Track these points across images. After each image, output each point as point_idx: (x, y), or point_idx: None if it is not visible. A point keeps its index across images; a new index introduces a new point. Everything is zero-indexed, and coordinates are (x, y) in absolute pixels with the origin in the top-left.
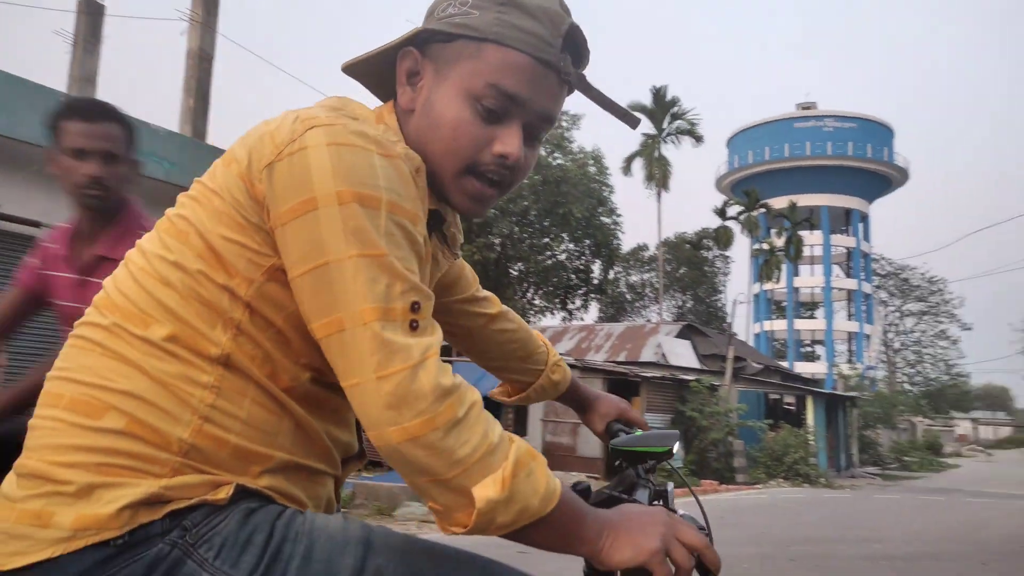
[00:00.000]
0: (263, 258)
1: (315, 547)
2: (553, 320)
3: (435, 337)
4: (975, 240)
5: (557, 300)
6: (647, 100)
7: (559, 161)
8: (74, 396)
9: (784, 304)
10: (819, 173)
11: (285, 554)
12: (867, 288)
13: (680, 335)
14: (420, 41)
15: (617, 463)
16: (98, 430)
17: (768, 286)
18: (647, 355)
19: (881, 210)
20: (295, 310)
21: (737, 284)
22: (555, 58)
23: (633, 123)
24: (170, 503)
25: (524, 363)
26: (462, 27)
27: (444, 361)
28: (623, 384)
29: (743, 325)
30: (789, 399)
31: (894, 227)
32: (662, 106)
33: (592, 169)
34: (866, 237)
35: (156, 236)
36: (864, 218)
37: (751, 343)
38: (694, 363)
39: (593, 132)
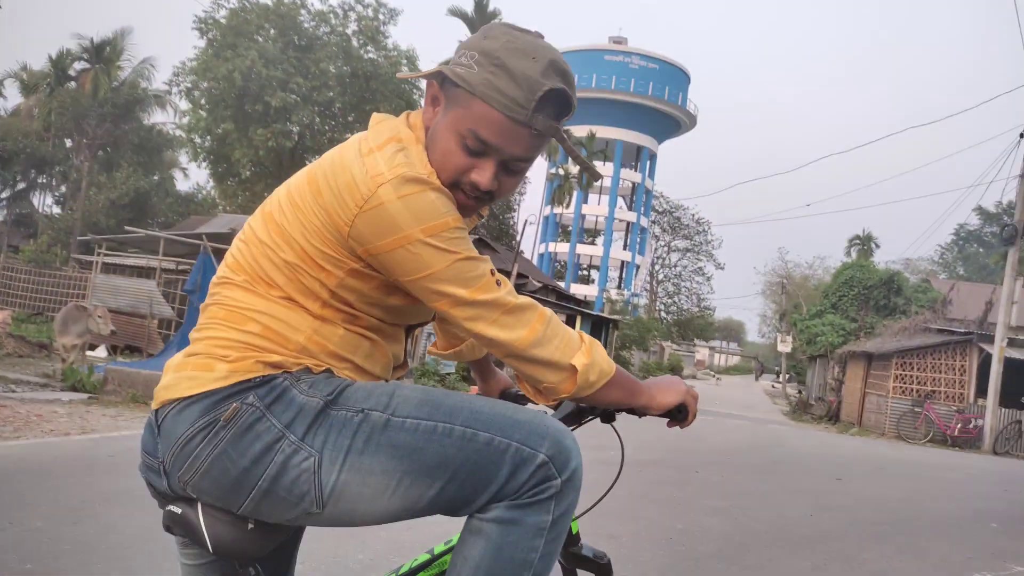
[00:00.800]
0: (345, 262)
1: (366, 386)
2: None
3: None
4: (740, 191)
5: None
6: (469, 6)
7: (371, 55)
8: (226, 314)
9: (570, 228)
10: (620, 108)
11: (348, 390)
12: (644, 222)
13: None
14: (440, 77)
15: None
16: (243, 331)
17: (558, 210)
18: None
19: (667, 151)
20: (365, 291)
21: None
22: (525, 118)
23: (596, 177)
24: (286, 368)
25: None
26: (462, 79)
27: None
28: None
29: (530, 245)
30: (561, 317)
31: (676, 168)
32: (483, 15)
33: (405, 69)
34: (651, 175)
35: (264, 229)
36: (652, 156)
37: (535, 262)
38: None
39: (410, 32)
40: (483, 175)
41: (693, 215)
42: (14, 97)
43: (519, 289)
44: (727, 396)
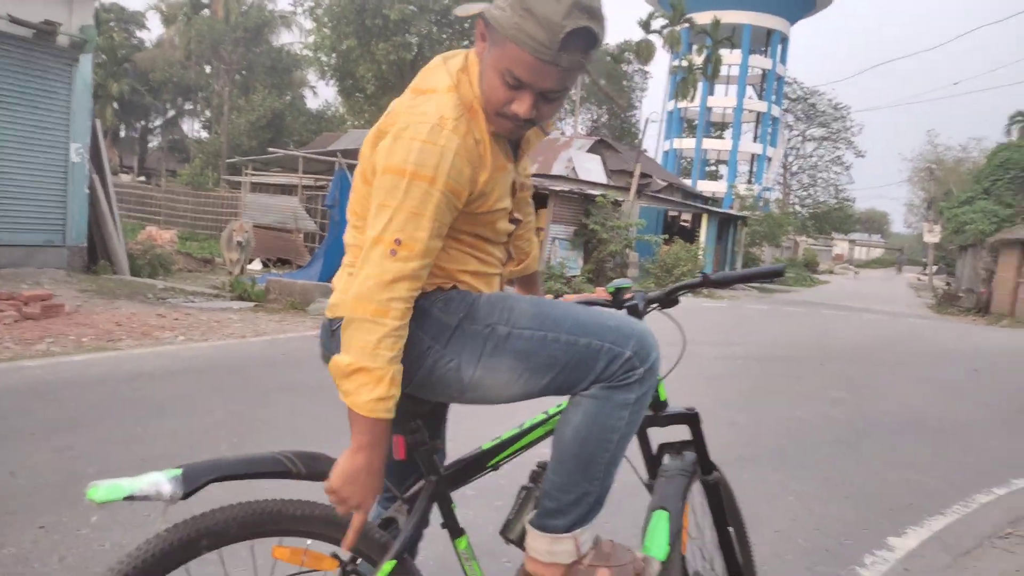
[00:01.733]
0: None
1: (490, 300)
2: None
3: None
4: (882, 72)
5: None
6: None
7: None
8: None
9: (695, 123)
10: None
11: (475, 306)
12: (776, 111)
13: (591, 150)
14: (486, 17)
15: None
16: None
17: (683, 104)
18: (558, 168)
19: (801, 34)
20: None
21: (653, 101)
22: (551, 57)
23: (623, 108)
24: (424, 290)
25: (523, 246)
26: (497, 23)
27: None
28: (532, 197)
29: (653, 142)
30: (686, 216)
31: (810, 52)
32: None
33: None
34: (783, 60)
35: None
36: (784, 40)
37: (660, 160)
38: (602, 178)
39: None
40: (522, 106)
41: (830, 101)
42: (156, 28)
43: (643, 188)
44: (866, 290)
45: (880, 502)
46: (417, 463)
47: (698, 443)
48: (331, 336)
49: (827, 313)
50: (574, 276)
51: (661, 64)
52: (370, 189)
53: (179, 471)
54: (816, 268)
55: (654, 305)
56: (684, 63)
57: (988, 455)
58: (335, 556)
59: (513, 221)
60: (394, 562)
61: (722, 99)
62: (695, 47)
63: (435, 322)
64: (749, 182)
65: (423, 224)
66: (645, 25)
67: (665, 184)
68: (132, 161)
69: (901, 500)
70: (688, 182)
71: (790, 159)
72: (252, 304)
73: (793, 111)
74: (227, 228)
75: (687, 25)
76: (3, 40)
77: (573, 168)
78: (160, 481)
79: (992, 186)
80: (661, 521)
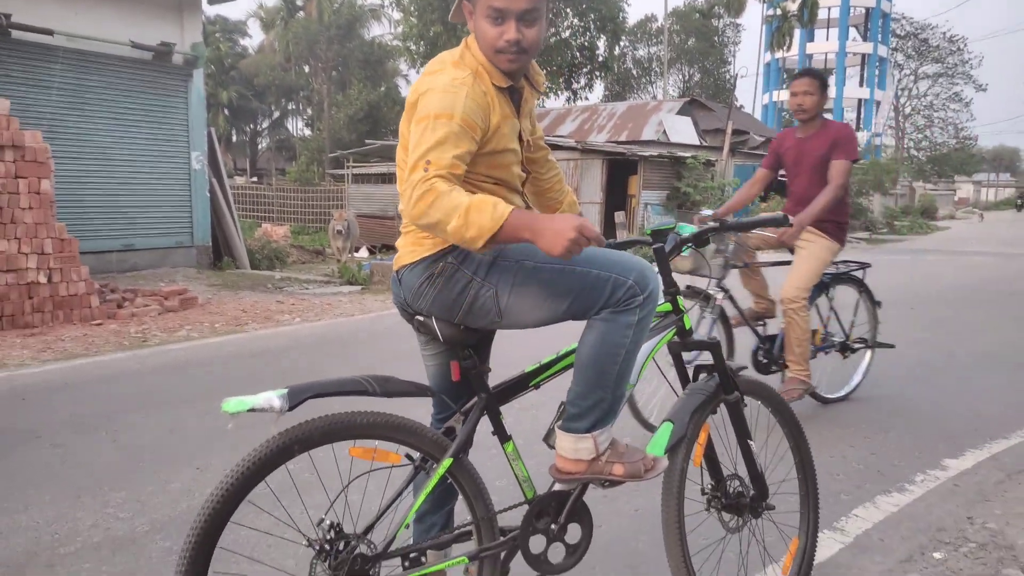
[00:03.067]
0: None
1: (512, 249)
2: (557, 102)
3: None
4: None
5: (561, 80)
6: None
7: None
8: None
9: (796, 72)
10: None
11: (507, 247)
12: (883, 51)
13: (682, 111)
14: None
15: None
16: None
17: (780, 54)
18: (648, 133)
19: None
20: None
21: (748, 54)
22: None
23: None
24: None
25: (555, 196)
26: None
27: None
28: (622, 164)
29: (750, 97)
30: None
31: None
32: None
33: None
34: None
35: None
36: None
37: (759, 114)
38: (694, 139)
39: None
40: (509, 32)
41: (944, 34)
42: (257, 35)
43: (740, 146)
44: (988, 234)
45: (941, 429)
46: (470, 383)
47: (720, 368)
48: (399, 284)
49: (931, 259)
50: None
51: (755, 14)
52: (407, 155)
53: (286, 390)
54: (935, 215)
55: (686, 243)
56: (778, 11)
57: None
58: (408, 456)
59: (524, 171)
60: (452, 460)
61: (824, 44)
62: None
63: (475, 259)
64: (858, 129)
65: (447, 149)
66: None
67: (763, 140)
68: (244, 163)
69: (964, 427)
70: None
71: (902, 101)
72: (359, 287)
73: (903, 49)
74: (333, 220)
75: None
76: (126, 64)
77: (664, 131)
78: (272, 397)
79: None
80: (665, 430)
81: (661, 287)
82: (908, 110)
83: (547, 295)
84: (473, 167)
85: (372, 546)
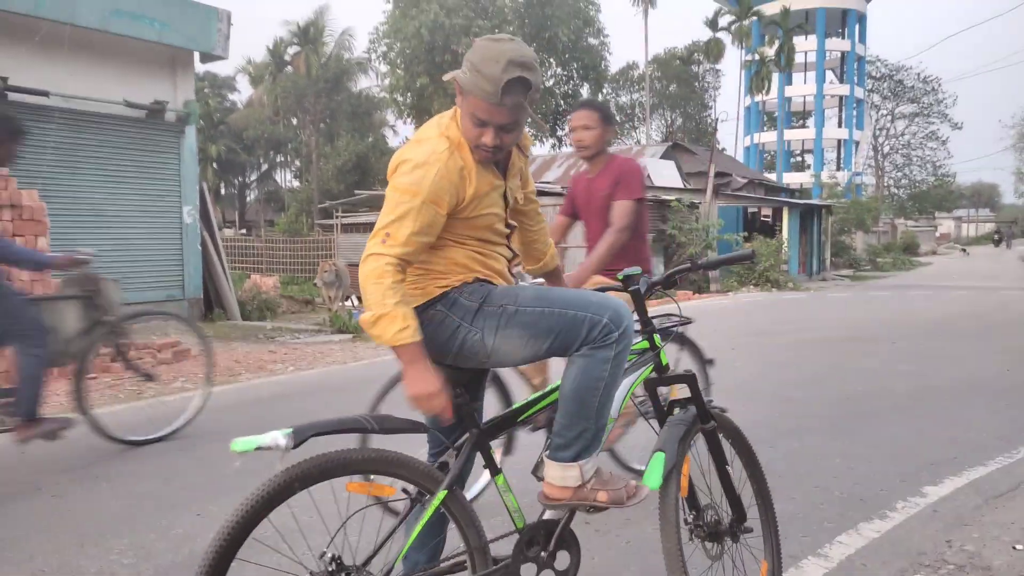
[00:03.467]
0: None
1: (501, 289)
2: (543, 148)
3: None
4: (974, 35)
5: (547, 126)
6: None
7: None
8: (411, 269)
9: (776, 114)
10: None
11: (491, 294)
12: (859, 93)
13: (665, 155)
14: (457, 80)
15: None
16: (420, 272)
17: (759, 97)
18: None
19: (879, 9)
20: (454, 229)
21: (728, 98)
22: (497, 101)
23: (544, 131)
24: (452, 285)
25: (540, 248)
26: (462, 82)
27: None
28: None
29: (732, 139)
30: (767, 211)
31: (892, 26)
32: None
33: None
34: (862, 39)
35: None
36: (861, 18)
37: (741, 156)
38: (677, 183)
39: None
40: (487, 137)
41: (918, 75)
42: (246, 90)
43: (723, 188)
44: (970, 268)
45: (923, 457)
46: (462, 419)
47: (696, 399)
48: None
49: (914, 294)
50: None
51: (732, 61)
52: None
53: (290, 430)
54: (917, 251)
55: (657, 287)
56: (756, 56)
57: None
58: (405, 491)
59: (508, 226)
60: (446, 492)
61: (801, 87)
62: (767, 38)
63: (462, 307)
64: (838, 169)
65: (406, 224)
66: (712, 23)
67: (745, 181)
68: (233, 215)
69: (944, 455)
70: (773, 176)
71: (880, 140)
72: (350, 336)
73: (879, 90)
74: (320, 270)
75: (755, 18)
76: (120, 122)
77: (648, 176)
78: (278, 436)
79: None
80: (658, 460)
81: (634, 325)
82: (887, 149)
83: (529, 336)
84: (452, 228)
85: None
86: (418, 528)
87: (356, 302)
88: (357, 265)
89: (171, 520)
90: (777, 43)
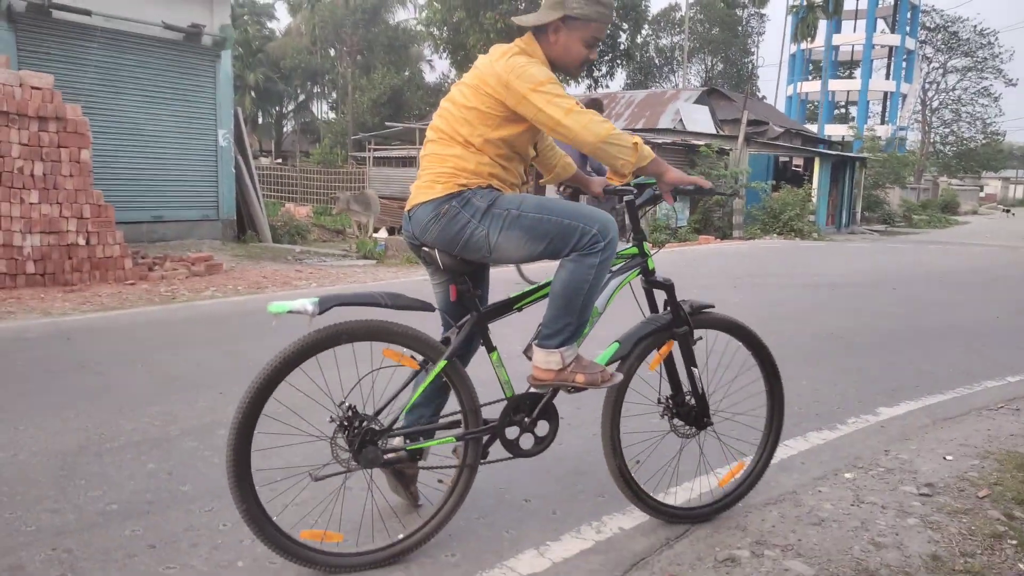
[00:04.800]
0: (496, 117)
1: (509, 196)
2: (578, 89)
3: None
4: None
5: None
6: None
7: None
8: (435, 158)
9: (822, 64)
10: None
11: (499, 199)
12: (910, 44)
13: (699, 100)
14: (564, 17)
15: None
16: (444, 167)
17: (805, 45)
18: (665, 122)
19: None
20: (500, 134)
21: (773, 45)
22: (612, 18)
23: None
24: (468, 185)
25: (552, 158)
26: (584, 15)
27: None
28: None
29: (772, 88)
30: (798, 161)
31: None
32: None
33: None
34: None
35: (452, 107)
36: None
37: (782, 106)
38: (711, 128)
39: None
40: (593, 54)
41: (974, 27)
42: (284, 18)
43: (757, 136)
44: (1008, 228)
45: (886, 385)
46: (466, 304)
47: (673, 305)
48: (409, 221)
49: (932, 248)
50: (681, 227)
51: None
52: (463, 112)
53: (317, 299)
54: (956, 210)
55: (651, 206)
56: (803, 1)
57: (1019, 354)
58: (413, 358)
59: (535, 150)
60: (446, 362)
61: (850, 36)
62: None
63: (473, 206)
64: (883, 122)
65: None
66: None
67: (783, 130)
68: (270, 145)
69: (909, 383)
70: (815, 128)
71: (930, 94)
72: (374, 261)
73: (932, 42)
74: (353, 195)
75: None
76: (158, 44)
77: (681, 120)
78: (306, 303)
79: None
80: (612, 348)
81: (619, 236)
82: (936, 104)
83: (528, 237)
84: (495, 139)
85: (380, 424)
86: (421, 388)
87: (386, 233)
88: (389, 197)
89: (197, 396)
90: None
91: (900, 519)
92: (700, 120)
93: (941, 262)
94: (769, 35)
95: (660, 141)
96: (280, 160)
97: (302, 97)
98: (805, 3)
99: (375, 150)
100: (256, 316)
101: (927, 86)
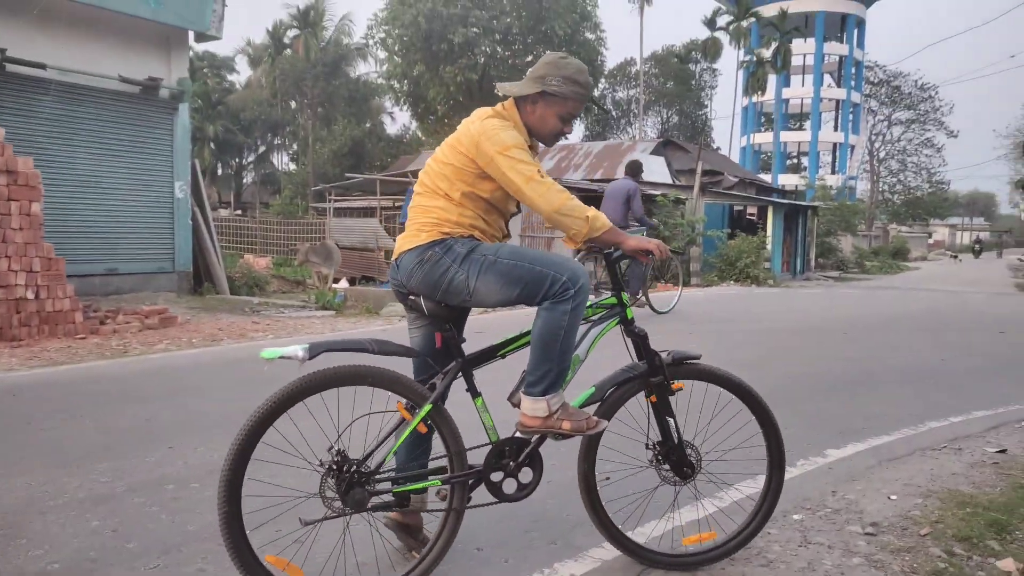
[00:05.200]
0: (471, 173)
1: (486, 244)
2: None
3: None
4: (973, 41)
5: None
6: None
7: None
8: (421, 210)
9: (773, 116)
10: None
11: (478, 247)
12: (856, 97)
13: (655, 151)
14: (542, 93)
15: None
16: (428, 217)
17: (756, 98)
18: (622, 172)
19: (879, 15)
20: (478, 188)
21: (725, 98)
22: (588, 99)
23: (603, 110)
24: (451, 234)
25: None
26: (560, 93)
27: None
28: (596, 200)
29: (726, 139)
30: (752, 210)
31: (892, 32)
32: None
33: None
34: (860, 44)
35: (436, 164)
36: (860, 23)
37: (736, 157)
38: (666, 178)
39: None
40: (568, 127)
41: (915, 82)
42: (244, 71)
43: (712, 185)
44: (955, 274)
45: (835, 427)
46: (450, 350)
47: (648, 355)
48: (397, 268)
49: (883, 294)
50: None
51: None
52: (442, 167)
53: (307, 345)
54: (907, 256)
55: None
56: (753, 57)
57: (969, 395)
58: (400, 402)
59: (517, 208)
60: (431, 406)
61: (799, 89)
62: (764, 39)
63: (454, 252)
64: (833, 172)
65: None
66: (710, 23)
67: (737, 180)
68: (230, 196)
69: (856, 426)
70: (768, 177)
71: (876, 145)
72: (333, 312)
73: (876, 95)
74: (313, 247)
75: (754, 19)
76: (115, 97)
77: None
78: (297, 349)
79: None
80: (587, 393)
81: (589, 283)
82: (882, 155)
83: (504, 282)
84: (479, 194)
85: (367, 467)
86: (407, 432)
87: (347, 283)
88: (349, 248)
89: (147, 451)
90: (774, 45)
91: (846, 559)
92: (656, 171)
93: (889, 307)
94: (722, 88)
95: None
96: (240, 211)
97: (262, 149)
98: (755, 58)
99: (336, 201)
100: (212, 369)
101: (873, 137)
